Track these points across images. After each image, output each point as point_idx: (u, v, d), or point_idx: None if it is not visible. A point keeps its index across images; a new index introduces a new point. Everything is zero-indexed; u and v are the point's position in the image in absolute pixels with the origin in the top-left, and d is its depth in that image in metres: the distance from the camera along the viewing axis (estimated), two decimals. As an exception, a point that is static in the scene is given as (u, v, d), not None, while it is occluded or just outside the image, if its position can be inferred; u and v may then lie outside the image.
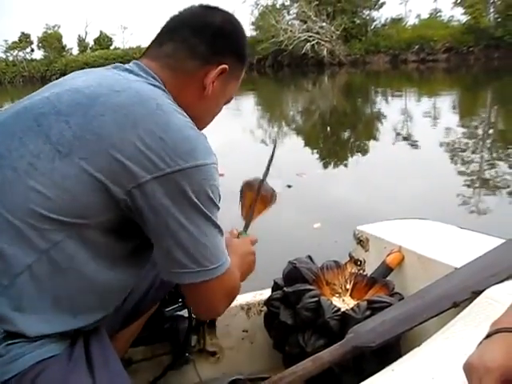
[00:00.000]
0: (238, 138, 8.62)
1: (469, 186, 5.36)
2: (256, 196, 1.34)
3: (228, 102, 1.19)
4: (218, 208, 0.96)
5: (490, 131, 9.09)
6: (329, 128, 11.07)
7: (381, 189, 5.41)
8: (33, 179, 0.88)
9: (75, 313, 0.95)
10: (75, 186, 0.87)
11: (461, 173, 5.87)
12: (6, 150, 0.91)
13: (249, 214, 1.34)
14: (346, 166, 7.15)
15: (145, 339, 1.49)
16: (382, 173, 6.13)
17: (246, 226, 1.34)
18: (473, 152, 7.08)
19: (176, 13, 1.12)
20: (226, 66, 1.07)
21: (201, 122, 1.10)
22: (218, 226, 0.96)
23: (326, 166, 7.24)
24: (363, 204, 4.84)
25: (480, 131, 9.02)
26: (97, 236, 0.92)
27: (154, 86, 1.00)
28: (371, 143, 8.58)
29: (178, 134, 0.91)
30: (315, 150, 8.51)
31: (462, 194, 4.97)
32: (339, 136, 9.89)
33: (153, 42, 1.11)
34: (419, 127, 9.54)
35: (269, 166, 1.37)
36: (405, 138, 8.54)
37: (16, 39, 42.94)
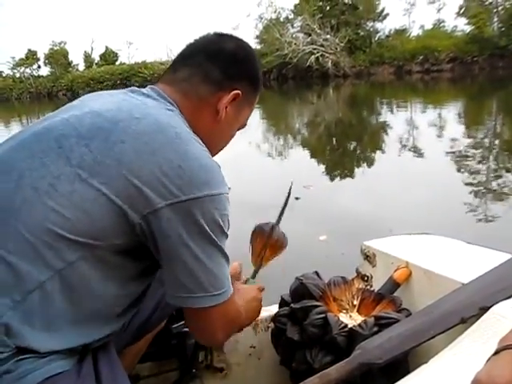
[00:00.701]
0: (243, 151, 8.64)
1: (475, 195, 5.36)
2: (267, 242, 1.37)
3: (242, 127, 1.21)
4: (227, 236, 0.98)
5: (496, 141, 9.08)
6: (335, 140, 11.10)
7: (386, 200, 5.42)
8: (53, 200, 0.89)
9: (85, 329, 0.96)
10: (93, 209, 0.89)
11: (467, 183, 5.85)
12: (27, 170, 0.93)
13: (258, 261, 1.37)
14: (352, 177, 7.14)
15: (152, 355, 1.50)
16: (388, 184, 6.15)
17: (255, 273, 1.37)
18: (479, 162, 7.07)
19: (192, 40, 1.15)
20: (239, 92, 1.09)
21: (214, 147, 1.12)
22: (225, 254, 0.98)
23: (332, 178, 7.22)
24: (369, 215, 4.84)
25: (486, 141, 9.01)
26: (109, 256, 0.94)
27: (172, 111, 1.03)
28: (377, 154, 8.58)
29: (195, 163, 0.93)
30: (322, 162, 8.52)
31: (469, 203, 4.96)
32: (345, 148, 9.90)
33: (168, 68, 1.15)
34: (425, 138, 9.53)
35: (283, 210, 1.40)
36: (410, 149, 8.55)
37: (23, 56, 43.33)
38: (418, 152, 8.23)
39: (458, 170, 6.63)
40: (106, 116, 0.96)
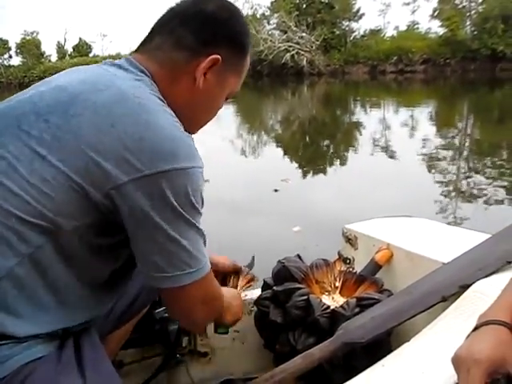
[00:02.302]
0: (217, 146, 8.69)
1: (445, 195, 5.50)
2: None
3: (230, 96, 1.13)
4: (200, 212, 0.93)
5: (466, 141, 9.30)
6: (309, 137, 11.31)
7: (359, 193, 5.57)
8: (13, 182, 0.86)
9: (62, 314, 0.93)
10: (54, 189, 0.85)
11: (437, 182, 6.02)
12: None
13: None
14: (324, 173, 7.32)
15: (135, 341, 1.49)
16: (360, 179, 6.30)
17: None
18: (450, 162, 7.28)
19: (173, 4, 1.08)
20: (217, 57, 1.01)
21: (196, 119, 1.08)
22: (198, 230, 0.93)
23: (308, 172, 7.38)
24: (343, 207, 4.98)
25: (456, 141, 9.27)
26: (78, 238, 0.90)
27: (140, 80, 0.97)
28: (349, 152, 8.80)
29: (158, 134, 0.88)
30: (296, 159, 8.69)
31: (439, 201, 5.08)
32: (318, 145, 10.14)
33: (145, 36, 1.08)
34: (397, 137, 9.80)
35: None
36: (382, 148, 8.78)
37: (-6, 45, 42.39)
38: (389, 150, 8.45)
39: (429, 170, 6.82)
40: (69, 89, 0.92)
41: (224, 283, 1.38)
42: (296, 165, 8.03)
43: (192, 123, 1.05)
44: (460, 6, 33.41)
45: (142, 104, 0.90)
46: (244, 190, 5.90)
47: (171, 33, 1.03)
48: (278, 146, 10.04)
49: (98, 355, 1.00)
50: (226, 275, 1.41)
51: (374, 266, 1.52)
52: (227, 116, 14.07)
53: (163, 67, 1.01)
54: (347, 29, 36.61)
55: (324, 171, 7.39)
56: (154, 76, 1.00)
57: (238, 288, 1.39)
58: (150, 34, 1.07)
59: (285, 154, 9.17)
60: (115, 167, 0.85)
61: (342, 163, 7.91)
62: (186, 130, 1.00)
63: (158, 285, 0.93)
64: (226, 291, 1.20)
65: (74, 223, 0.88)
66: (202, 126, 1.15)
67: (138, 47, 1.07)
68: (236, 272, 1.42)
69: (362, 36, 36.98)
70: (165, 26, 1.04)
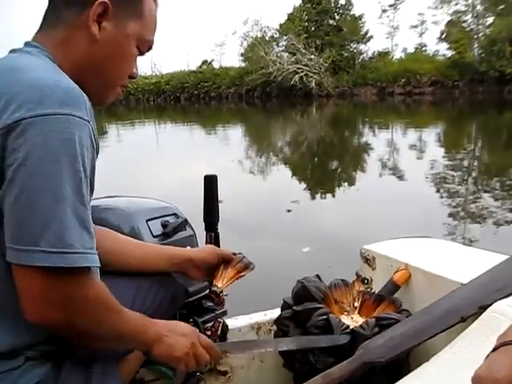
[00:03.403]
0: (228, 167, 8.79)
1: (454, 216, 5.52)
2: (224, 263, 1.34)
3: (143, 44, 1.06)
4: (79, 172, 0.82)
5: (475, 163, 9.35)
6: (318, 158, 11.36)
7: (371, 215, 5.62)
8: None
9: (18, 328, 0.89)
10: None
11: (446, 204, 6.05)
12: None
13: (220, 281, 1.32)
14: (335, 194, 7.41)
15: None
16: (371, 201, 6.35)
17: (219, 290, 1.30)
18: (459, 184, 7.33)
19: None
20: (105, 1, 0.95)
21: (105, 74, 1.02)
22: (72, 201, 0.81)
23: (318, 194, 7.43)
24: (355, 229, 5.04)
25: (465, 163, 9.32)
26: None
27: (28, 53, 0.94)
28: (360, 173, 8.84)
29: (25, 83, 0.83)
30: (307, 179, 8.79)
31: (447, 224, 5.10)
32: (329, 166, 10.17)
33: None
34: (406, 158, 9.88)
35: None
36: (391, 169, 8.82)
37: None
38: (397, 172, 8.51)
39: (437, 190, 6.85)
40: None
41: (212, 276, 1.32)
42: (307, 186, 8.08)
43: (104, 82, 1.02)
44: (468, 29, 33.58)
45: (14, 67, 0.88)
46: (257, 210, 5.97)
47: None
48: (289, 167, 10.08)
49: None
50: (213, 268, 1.34)
51: (393, 286, 1.54)
52: (237, 138, 14.22)
53: (57, 31, 0.97)
54: (356, 51, 36.84)
55: (334, 192, 7.45)
56: (47, 46, 0.96)
57: (225, 280, 1.32)
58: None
59: (295, 175, 9.24)
60: None
61: (352, 184, 7.95)
62: (99, 97, 1.01)
63: (9, 259, 0.82)
64: (171, 325, 1.10)
65: None
66: (117, 85, 1.07)
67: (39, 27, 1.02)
68: (227, 261, 1.34)
69: (371, 58, 37.14)
70: None
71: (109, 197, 1.65)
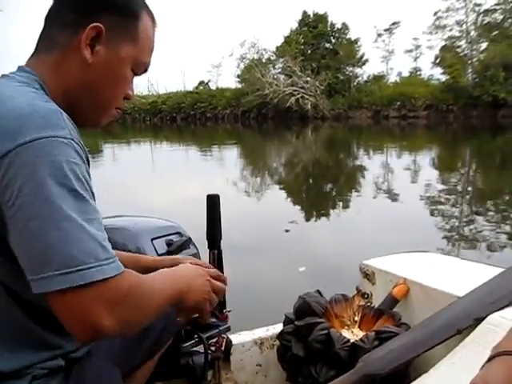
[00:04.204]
0: (225, 189, 8.84)
1: (448, 239, 5.57)
2: None
3: (137, 68, 1.05)
4: (74, 190, 0.82)
5: (469, 188, 9.45)
6: (313, 180, 11.42)
7: (367, 235, 5.68)
8: None
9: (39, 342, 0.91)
10: None
11: (440, 227, 6.07)
12: None
13: None
14: (332, 215, 7.44)
15: (162, 375, 1.52)
16: (364, 221, 6.47)
17: None
18: (452, 206, 7.41)
19: None
20: (97, 25, 0.95)
21: (98, 98, 1.01)
22: (75, 219, 0.80)
23: (314, 215, 7.48)
24: (352, 248, 5.09)
25: (459, 187, 9.41)
26: None
27: (13, 78, 0.94)
28: (354, 195, 8.87)
29: (4, 113, 0.83)
30: (303, 200, 8.89)
31: (441, 248, 5.12)
32: (324, 188, 10.20)
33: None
34: (400, 181, 9.99)
35: None
36: (386, 192, 8.87)
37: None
38: (392, 195, 8.56)
39: (431, 213, 6.91)
40: None
41: None
42: (302, 207, 8.14)
43: (98, 105, 1.01)
44: (462, 54, 34.19)
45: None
46: (256, 231, 6.02)
47: (55, 15, 0.99)
48: (285, 189, 10.13)
49: None
50: None
51: (392, 301, 1.57)
52: (233, 159, 14.29)
53: (50, 55, 0.97)
54: (351, 74, 37.39)
55: (328, 214, 7.49)
56: (40, 70, 0.96)
57: None
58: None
59: (292, 196, 9.29)
60: None
61: (347, 206, 7.99)
62: (94, 119, 1.02)
63: (36, 290, 0.81)
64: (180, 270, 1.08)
65: None
66: (111, 107, 1.06)
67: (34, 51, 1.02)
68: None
69: (366, 81, 37.71)
70: (48, 15, 1.01)
71: (114, 216, 1.70)
